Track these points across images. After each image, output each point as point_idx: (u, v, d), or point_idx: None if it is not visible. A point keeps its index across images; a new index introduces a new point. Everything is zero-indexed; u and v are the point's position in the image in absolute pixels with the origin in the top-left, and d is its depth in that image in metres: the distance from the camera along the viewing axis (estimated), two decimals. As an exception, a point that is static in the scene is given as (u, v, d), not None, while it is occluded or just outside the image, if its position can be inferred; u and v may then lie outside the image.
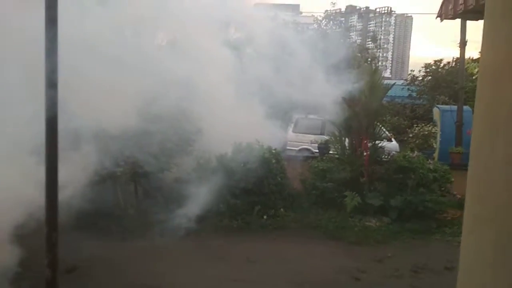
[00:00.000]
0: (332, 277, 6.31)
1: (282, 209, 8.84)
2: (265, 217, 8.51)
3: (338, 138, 10.33)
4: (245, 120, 9.54)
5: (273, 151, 9.28)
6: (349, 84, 10.09)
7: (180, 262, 6.55)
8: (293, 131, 14.80)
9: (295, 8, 49.05)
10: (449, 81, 19.18)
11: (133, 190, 8.41)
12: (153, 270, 6.19)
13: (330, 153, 11.11)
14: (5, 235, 4.73)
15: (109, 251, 6.41)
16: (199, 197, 7.99)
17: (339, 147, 10.31)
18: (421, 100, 20.13)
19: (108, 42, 7.10)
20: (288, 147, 14.11)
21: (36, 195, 3.09)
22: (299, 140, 14.61)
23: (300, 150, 14.43)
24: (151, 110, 7.58)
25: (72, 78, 5.23)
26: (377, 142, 10.05)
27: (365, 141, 9.75)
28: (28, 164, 4.70)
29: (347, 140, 10.24)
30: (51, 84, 3.04)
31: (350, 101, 9.75)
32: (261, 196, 8.69)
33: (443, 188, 9.52)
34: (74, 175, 6.19)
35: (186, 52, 9.29)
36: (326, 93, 10.35)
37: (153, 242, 7.13)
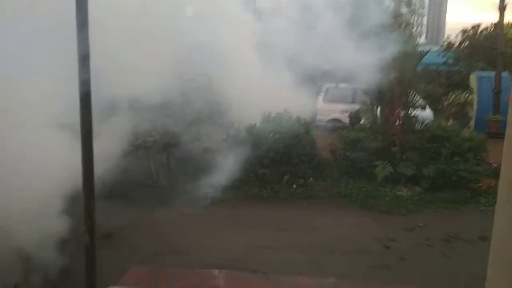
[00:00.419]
0: (361, 246, 6.32)
1: (311, 179, 8.84)
2: (294, 186, 8.55)
3: (369, 107, 10.12)
4: (275, 90, 9.48)
5: (303, 121, 9.21)
6: (382, 51, 9.79)
7: (210, 230, 6.71)
8: (324, 101, 14.60)
9: (326, -28, 47.41)
10: (487, 47, 18.31)
11: (164, 160, 8.60)
12: (184, 237, 6.37)
13: (361, 123, 10.94)
14: (51, 204, 4.94)
15: (142, 219, 6.63)
16: (229, 167, 8.09)
17: (371, 116, 10.12)
18: (458, 67, 19.35)
19: (139, 12, 7.12)
20: (318, 117, 13.97)
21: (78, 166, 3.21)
22: (329, 109, 14.42)
23: (330, 120, 14.26)
24: (182, 81, 7.64)
25: (106, 48, 5.31)
26: (410, 110, 9.79)
27: (398, 110, 9.52)
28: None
29: (379, 109, 10.03)
30: (84, 56, 3.11)
31: (382, 69, 9.47)
32: (290, 166, 8.71)
33: (478, 157, 9.23)
34: (108, 146, 6.38)
35: (214, 22, 9.22)
36: (358, 60, 10.08)
37: (184, 210, 7.32)
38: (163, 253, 5.87)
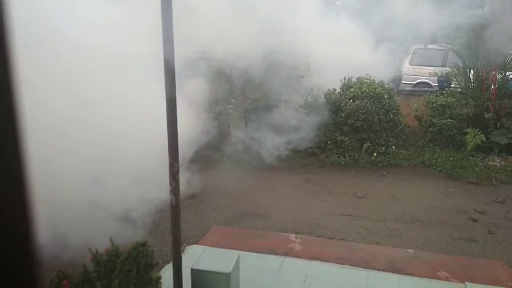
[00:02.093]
0: (445, 217, 6.04)
1: (393, 147, 8.51)
2: (374, 154, 8.30)
3: (462, 69, 9.36)
4: (356, 52, 9.13)
5: (386, 86, 8.80)
6: (477, 7, 8.93)
7: (288, 195, 6.82)
8: (410, 63, 13.75)
9: None
10: None
11: (244, 125, 8.78)
12: (263, 201, 6.56)
13: (452, 87, 10.18)
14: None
15: (223, 182, 6.91)
16: (307, 134, 8.06)
17: (463, 79, 9.37)
18: None
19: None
20: (403, 81, 13.25)
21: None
22: (416, 73, 13.56)
23: (417, 84, 13.45)
24: (261, 46, 7.65)
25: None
26: (508, 73, 8.90)
27: (494, 72, 8.71)
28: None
29: (472, 72, 9.24)
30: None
31: (478, 27, 8.66)
32: (371, 133, 8.44)
33: None
34: (191, 112, 6.68)
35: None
36: (450, 19, 9.28)
37: (263, 175, 7.50)
38: (243, 215, 6.11)
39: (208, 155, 7.77)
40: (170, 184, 3.55)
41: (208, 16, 6.99)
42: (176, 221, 3.60)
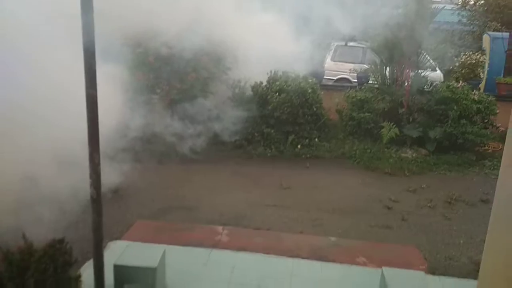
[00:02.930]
0: (363, 206, 6.39)
1: (316, 139, 8.83)
2: (299, 146, 8.55)
3: (378, 67, 9.93)
4: (281, 47, 9.27)
5: (310, 80, 9.08)
6: (392, 8, 9.47)
7: (215, 187, 6.79)
8: (332, 59, 14.32)
9: None
10: (503, 5, 17.66)
11: (170, 116, 8.56)
12: (189, 193, 6.47)
13: (370, 83, 10.78)
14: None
15: (146, 175, 6.69)
16: (234, 126, 8.08)
17: (380, 76, 9.95)
18: (471, 27, 18.77)
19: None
20: (325, 76, 13.76)
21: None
22: (337, 69, 14.16)
23: (338, 79, 14.05)
24: (188, 38, 7.49)
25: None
26: (420, 71, 9.61)
27: (407, 70, 9.34)
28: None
29: (388, 69, 9.84)
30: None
31: (393, 27, 9.21)
32: (295, 125, 8.67)
33: (486, 120, 9.13)
34: (113, 100, 6.35)
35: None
36: (368, 18, 9.75)
37: (189, 167, 7.39)
38: (168, 208, 5.97)
39: (131, 146, 7.47)
40: (91, 177, 3.35)
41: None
42: (98, 216, 3.41)
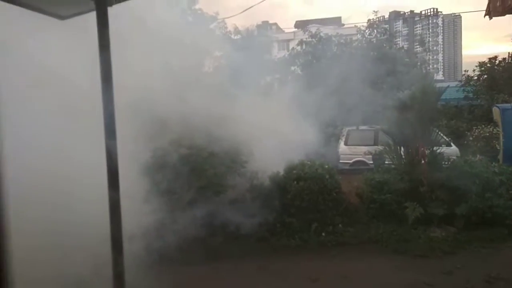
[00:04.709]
0: (398, 293, 6.05)
1: (340, 225, 8.64)
2: (323, 234, 8.36)
3: (393, 147, 10.02)
4: (295, 137, 9.53)
5: (326, 166, 9.16)
6: (399, 91, 9.83)
7: (243, 285, 6.56)
8: (345, 144, 14.57)
9: (337, 21, 48.93)
10: (506, 78, 18.18)
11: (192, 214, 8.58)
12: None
13: (386, 164, 10.81)
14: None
15: (166, 278, 6.48)
16: (255, 218, 8.01)
17: (395, 156, 9.99)
18: (479, 101, 19.16)
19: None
20: (341, 161, 13.89)
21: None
22: (352, 152, 14.35)
23: (354, 162, 14.15)
24: (203, 135, 7.80)
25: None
26: (435, 148, 9.65)
27: (422, 148, 9.40)
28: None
29: (402, 148, 9.92)
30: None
31: (402, 109, 9.47)
32: (317, 213, 8.57)
33: (511, 192, 8.92)
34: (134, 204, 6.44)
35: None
36: (377, 102, 10.11)
37: (211, 266, 7.21)
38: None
39: (153, 249, 7.39)
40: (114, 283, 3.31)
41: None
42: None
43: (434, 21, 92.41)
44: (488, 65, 19.72)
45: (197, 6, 12.57)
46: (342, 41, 19.59)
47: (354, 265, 7.21)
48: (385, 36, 21.05)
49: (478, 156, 10.20)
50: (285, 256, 7.77)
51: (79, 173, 5.29)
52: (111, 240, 3.29)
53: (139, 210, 6.52)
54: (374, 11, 34.81)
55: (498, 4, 11.47)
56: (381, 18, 37.54)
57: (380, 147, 11.34)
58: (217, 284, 6.60)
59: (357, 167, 13.38)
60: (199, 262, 7.22)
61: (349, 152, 14.31)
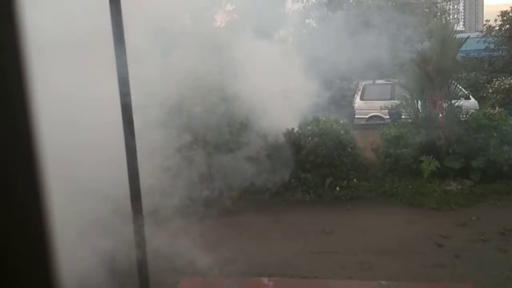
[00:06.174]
0: (412, 245, 6.15)
1: (355, 180, 8.69)
2: (337, 188, 8.43)
3: (410, 101, 9.86)
4: (310, 93, 9.42)
5: (341, 122, 9.10)
6: (418, 42, 9.54)
7: (259, 237, 6.73)
8: (361, 99, 14.34)
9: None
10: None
11: (207, 170, 8.71)
12: (233, 244, 6.42)
13: (403, 118, 10.67)
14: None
15: (188, 230, 6.68)
16: (270, 174, 8.10)
17: (412, 111, 9.84)
18: (500, 52, 18.48)
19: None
20: (356, 116, 13.74)
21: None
22: (368, 107, 14.13)
23: (370, 117, 13.98)
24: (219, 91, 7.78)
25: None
26: (453, 101, 9.46)
27: (440, 102, 9.22)
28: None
29: (419, 102, 9.75)
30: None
31: (420, 61, 9.23)
32: (332, 168, 8.60)
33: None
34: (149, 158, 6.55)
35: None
36: (394, 55, 9.85)
37: (229, 219, 7.38)
38: (214, 262, 5.92)
39: (174, 205, 7.58)
40: (135, 239, 3.43)
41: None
42: (144, 279, 3.45)
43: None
44: (511, 14, 18.85)
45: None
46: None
47: (368, 218, 7.32)
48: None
49: (497, 108, 9.95)
50: (300, 210, 7.91)
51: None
52: (131, 198, 3.39)
53: (155, 166, 6.63)
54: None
55: None
56: (400, -34, 35.87)
57: (397, 101, 11.16)
58: (234, 236, 6.77)
59: (373, 122, 13.24)
60: (217, 216, 7.40)
61: (365, 106, 14.10)
